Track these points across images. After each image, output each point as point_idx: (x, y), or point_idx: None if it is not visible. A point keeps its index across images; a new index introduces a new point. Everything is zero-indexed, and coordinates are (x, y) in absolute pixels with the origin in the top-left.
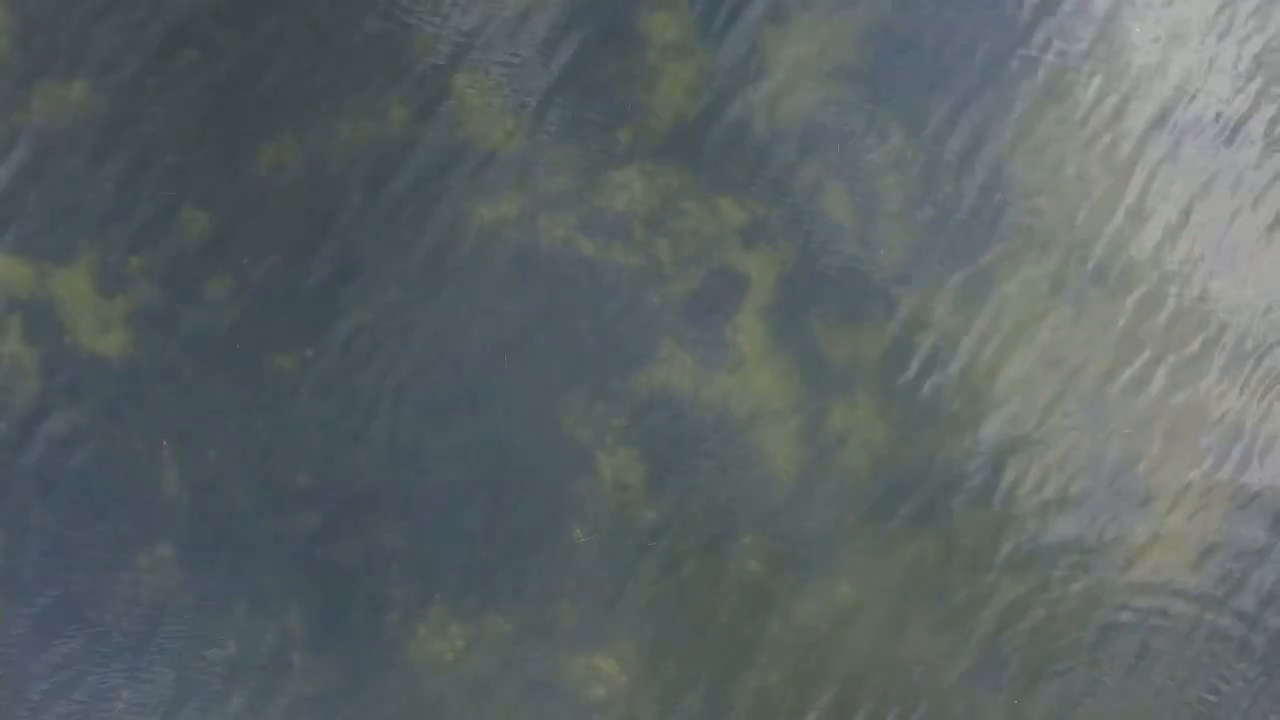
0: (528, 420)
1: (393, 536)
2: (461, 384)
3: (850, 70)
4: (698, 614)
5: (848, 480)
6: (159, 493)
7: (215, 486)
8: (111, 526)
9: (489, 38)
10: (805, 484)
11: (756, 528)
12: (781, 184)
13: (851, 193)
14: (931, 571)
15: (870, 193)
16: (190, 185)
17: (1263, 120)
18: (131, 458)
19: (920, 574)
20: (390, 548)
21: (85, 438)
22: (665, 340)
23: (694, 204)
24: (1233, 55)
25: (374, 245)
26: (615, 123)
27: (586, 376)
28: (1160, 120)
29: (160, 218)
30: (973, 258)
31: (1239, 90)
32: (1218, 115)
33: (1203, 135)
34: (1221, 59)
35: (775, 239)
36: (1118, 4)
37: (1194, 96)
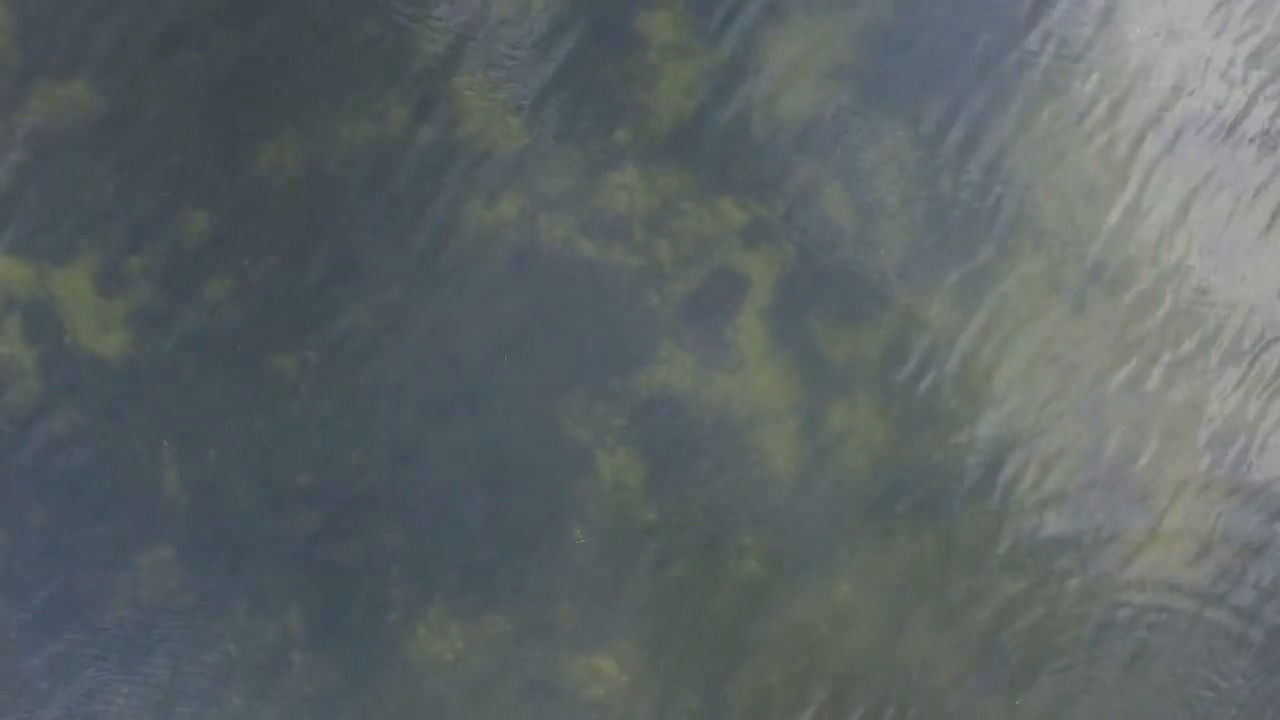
0: (528, 420)
1: (393, 536)
2: (461, 384)
3: (850, 70)
4: (697, 613)
5: (847, 480)
6: (159, 492)
7: (215, 486)
8: (111, 526)
9: (488, 38)
10: (805, 484)
11: (756, 527)
12: (782, 184)
13: (851, 193)
14: (930, 570)
15: (870, 192)
16: (190, 185)
17: (1260, 118)
18: (131, 457)
19: (919, 573)
20: (390, 548)
21: (85, 437)
22: (665, 340)
23: (694, 204)
24: (1229, 53)
25: (374, 245)
26: (615, 123)
27: (586, 376)
28: (1157, 118)
29: (160, 218)
30: (971, 256)
31: (1236, 88)
32: (1215, 113)
33: (1200, 133)
34: (1218, 56)
35: (776, 239)
36: (1115, 1)
37: (1191, 94)
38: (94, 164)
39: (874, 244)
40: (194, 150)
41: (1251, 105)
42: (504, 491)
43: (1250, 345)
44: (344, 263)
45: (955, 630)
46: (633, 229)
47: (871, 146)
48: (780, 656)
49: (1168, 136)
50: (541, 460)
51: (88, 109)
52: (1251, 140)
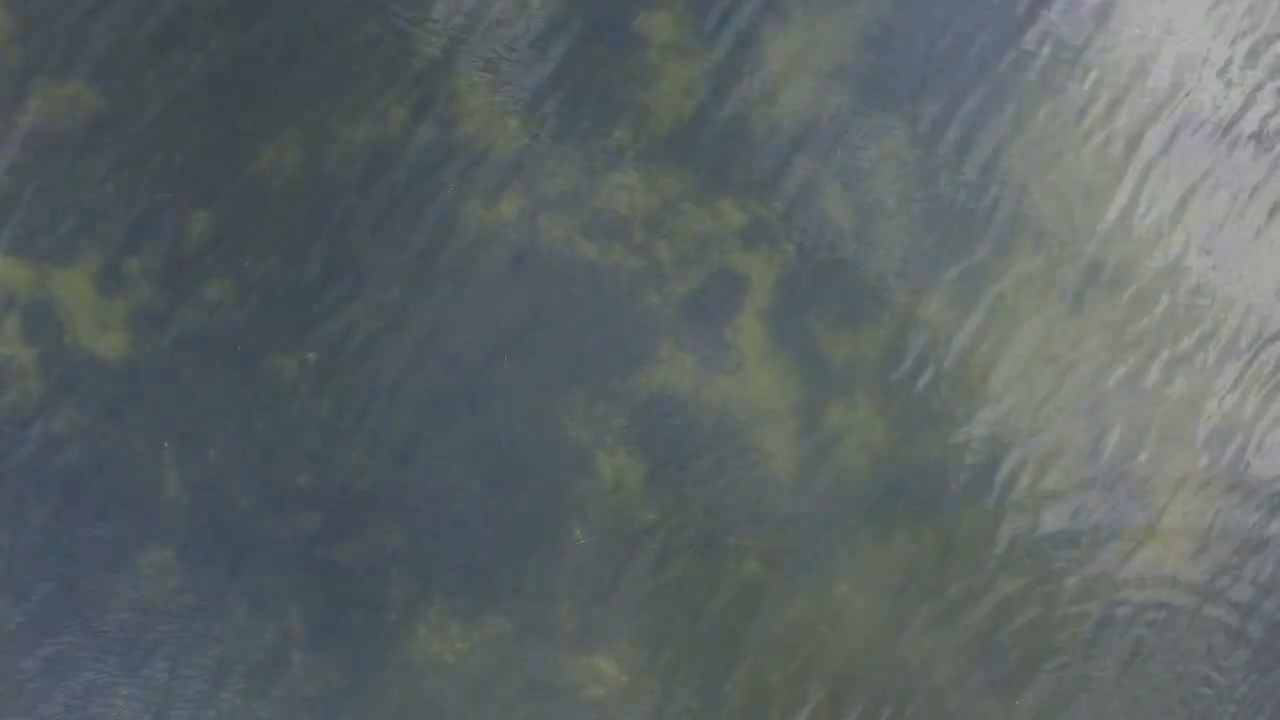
0: (528, 420)
1: (393, 537)
2: (461, 384)
3: (849, 69)
4: (697, 613)
5: (847, 479)
6: (159, 493)
7: (215, 487)
8: (111, 526)
9: (488, 39)
10: (804, 484)
11: (756, 527)
12: (781, 184)
13: (850, 192)
14: (929, 569)
15: (869, 192)
16: (190, 185)
17: (1257, 116)
18: (131, 458)
19: (918, 572)
20: (390, 548)
21: (85, 438)
22: (665, 341)
23: (694, 205)
24: (1227, 52)
25: (374, 246)
26: (615, 123)
27: (586, 377)
28: (1155, 117)
29: (160, 218)
30: (969, 255)
31: (1233, 87)
32: (1212, 112)
33: (1197, 132)
34: (1215, 56)
35: (775, 240)
36: (1112, 1)
37: (1188, 93)
38: (94, 164)
39: (873, 244)
40: (194, 150)
41: (1248, 105)
42: (504, 491)
43: (1248, 343)
44: (344, 263)
45: (954, 629)
46: (632, 229)
47: (870, 146)
48: (779, 656)
49: (1165, 136)
50: (541, 460)
51: (87, 109)
52: (1249, 139)
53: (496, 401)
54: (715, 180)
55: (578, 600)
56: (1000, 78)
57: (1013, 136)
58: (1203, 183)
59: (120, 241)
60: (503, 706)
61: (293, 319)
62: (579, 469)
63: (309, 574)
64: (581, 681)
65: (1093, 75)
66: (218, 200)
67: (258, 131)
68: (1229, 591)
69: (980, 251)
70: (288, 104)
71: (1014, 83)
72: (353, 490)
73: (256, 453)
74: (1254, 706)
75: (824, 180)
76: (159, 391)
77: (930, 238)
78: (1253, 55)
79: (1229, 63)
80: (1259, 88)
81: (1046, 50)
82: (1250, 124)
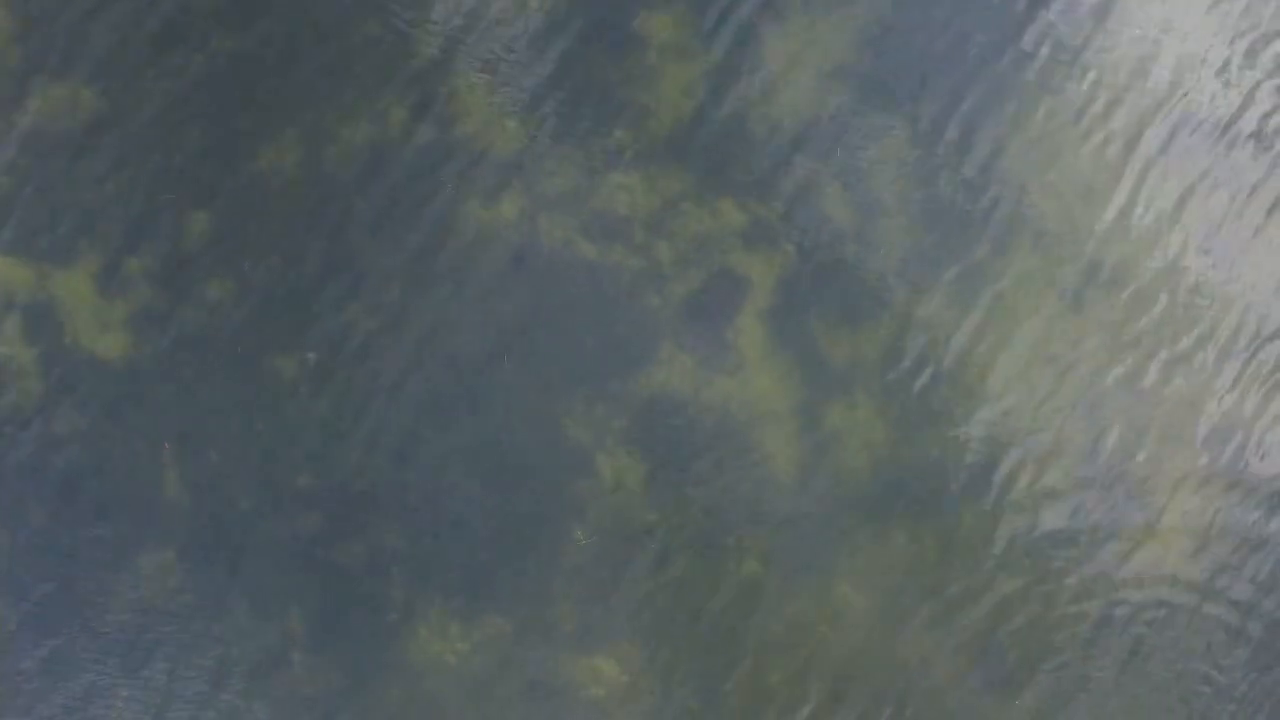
0: (528, 421)
1: (393, 537)
2: (461, 385)
3: (848, 69)
4: (697, 613)
5: (847, 480)
6: (159, 493)
7: (215, 487)
8: (111, 527)
9: (488, 39)
10: (804, 484)
11: (756, 528)
12: (781, 185)
13: (850, 192)
14: (929, 569)
15: (869, 192)
16: (190, 186)
17: (1256, 116)
18: (131, 458)
19: (918, 571)
20: (390, 548)
21: (85, 438)
22: (665, 342)
23: (694, 205)
24: (1225, 52)
25: (373, 246)
26: (615, 124)
27: (586, 378)
28: (1153, 117)
29: (160, 218)
30: (968, 255)
31: (1232, 86)
32: (1211, 111)
33: (1196, 131)
34: (1214, 55)
35: (775, 240)
36: (1110, 0)
37: (1187, 92)
38: (93, 164)
39: (873, 243)
40: (194, 150)
41: (1247, 104)
42: (504, 492)
43: (1247, 342)
44: (343, 263)
45: (953, 628)
46: (633, 230)
47: (870, 146)
48: (779, 655)
49: (1163, 135)
50: (541, 460)
51: (87, 109)
52: (1247, 138)
53: (496, 402)
54: (715, 180)
55: (578, 600)
56: (999, 77)
57: (1011, 136)
58: (1201, 182)
59: (120, 242)
60: (503, 706)
61: (292, 319)
62: (579, 469)
63: (309, 574)
64: (581, 681)
65: (1091, 75)
66: (217, 200)
67: (257, 132)
68: (1228, 590)
69: (979, 251)
70: (287, 104)
71: (1013, 82)
72: (353, 490)
73: (256, 453)
74: (1253, 705)
75: (824, 180)
76: (159, 392)
77: (929, 237)
78: (1251, 54)
79: (1227, 62)
80: (1257, 87)
81: (1045, 50)
82: (1249, 123)
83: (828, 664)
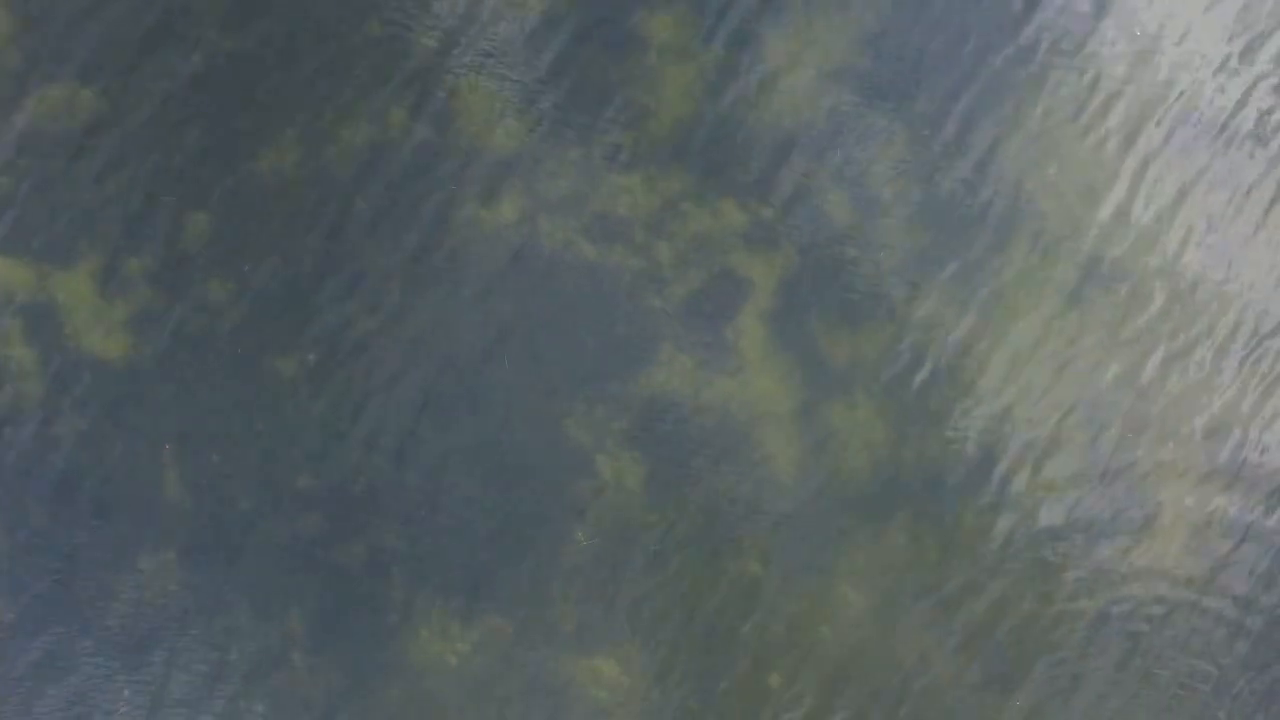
0: (528, 422)
1: (393, 538)
2: (462, 386)
3: (848, 69)
4: (697, 614)
5: (847, 480)
6: (159, 494)
7: (215, 488)
8: (112, 528)
9: (489, 41)
10: (805, 484)
11: (756, 528)
12: (781, 185)
13: (850, 192)
14: (929, 568)
15: (868, 191)
16: (190, 187)
17: (1253, 113)
18: (132, 459)
19: (918, 570)
20: (390, 549)
21: (85, 438)
22: (666, 343)
23: (695, 206)
24: (1223, 50)
25: (374, 247)
26: (616, 125)
27: (587, 378)
28: (1151, 114)
29: (160, 219)
30: (967, 253)
31: (1229, 84)
32: (1209, 109)
33: (1194, 129)
34: (1212, 53)
35: (776, 240)
36: None
37: (1185, 91)
38: (93, 165)
39: (872, 243)
40: (193, 151)
41: (1245, 102)
42: (504, 492)
43: (1245, 339)
44: (343, 263)
45: (951, 626)
46: (633, 231)
47: (869, 145)
48: (779, 655)
49: (1162, 133)
50: (541, 461)
51: (87, 109)
52: (1245, 136)
53: (496, 402)
54: (715, 180)
55: (578, 600)
56: (997, 76)
57: (1009, 134)
58: (1199, 180)
59: (120, 242)
60: (503, 706)
61: (292, 320)
62: (579, 470)
63: (309, 574)
64: (581, 681)
65: (1090, 73)
66: (217, 201)
67: (257, 132)
68: (1227, 586)
69: (978, 249)
70: (287, 104)
71: (1011, 81)
72: (353, 491)
73: (256, 453)
74: (1253, 701)
75: (823, 180)
76: (159, 392)
77: (928, 236)
78: (1249, 52)
79: (1226, 60)
80: (1255, 85)
81: (1043, 48)
82: (1247, 121)
83: (827, 662)
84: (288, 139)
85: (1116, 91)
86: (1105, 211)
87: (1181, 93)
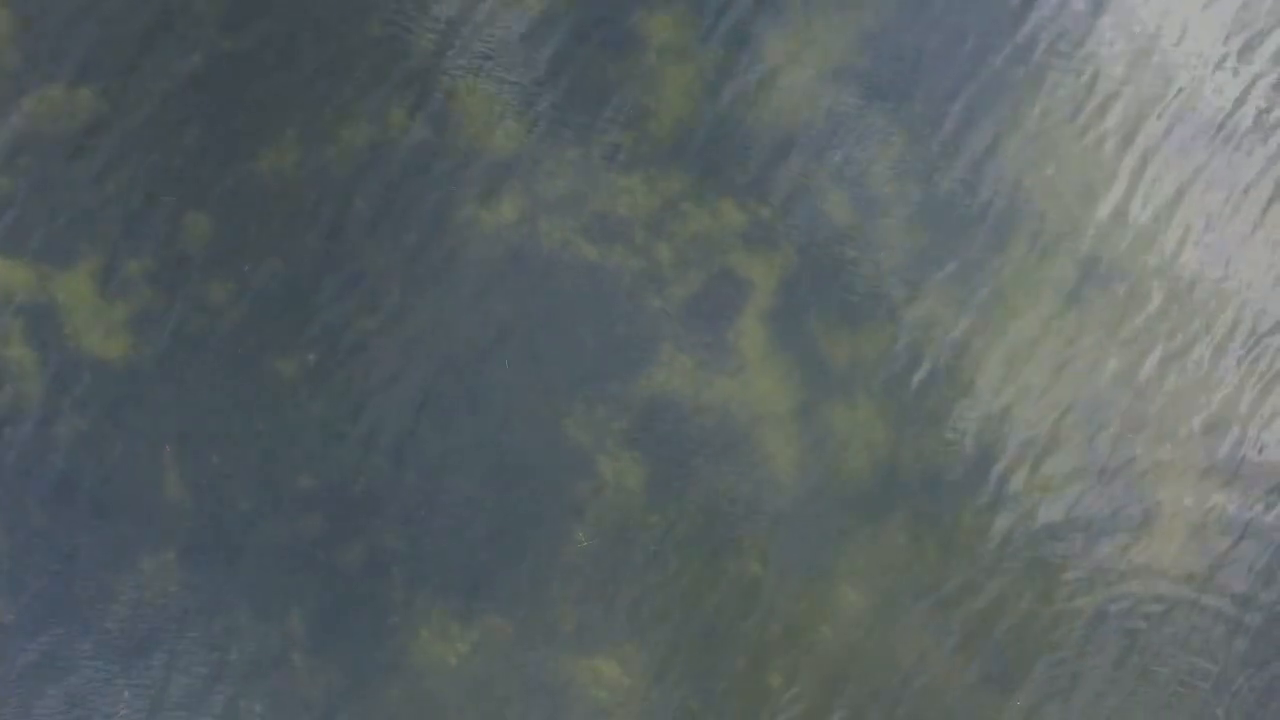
0: (528, 423)
1: (393, 538)
2: (462, 387)
3: (848, 69)
4: (698, 614)
5: (847, 480)
6: (159, 494)
7: (216, 488)
8: (112, 529)
9: (487, 40)
10: (805, 485)
11: (756, 529)
12: (781, 185)
13: (849, 192)
14: (928, 568)
15: (868, 191)
16: (190, 187)
17: (1252, 111)
18: (132, 459)
19: (917, 570)
20: (390, 549)
21: (85, 439)
22: (666, 343)
23: (694, 206)
24: (1221, 49)
25: (374, 248)
26: (615, 125)
27: (587, 379)
28: (1150, 112)
29: (161, 221)
30: (966, 252)
31: (1228, 83)
32: (1207, 108)
33: (1192, 128)
34: (1210, 52)
35: (776, 241)
36: None
37: (1183, 89)
38: (93, 165)
39: (871, 242)
40: (193, 151)
41: (1243, 100)
42: (505, 494)
43: (1244, 338)
44: (342, 264)
45: (950, 625)
46: (633, 231)
47: (868, 145)
48: (779, 655)
49: (1160, 132)
50: (542, 462)
51: (86, 110)
52: (1244, 134)
53: (496, 402)
54: (715, 181)
55: (578, 601)
56: (995, 75)
57: (1008, 133)
58: (1197, 178)
59: (120, 243)
60: (503, 706)
61: (292, 320)
62: (579, 470)
63: (309, 575)
64: (581, 681)
65: (1088, 71)
66: (217, 201)
67: (257, 132)
68: (1226, 583)
69: (976, 248)
70: (286, 105)
71: (1009, 80)
72: (353, 491)
73: (256, 454)
74: (1252, 700)
75: (823, 179)
76: (159, 392)
77: (928, 236)
78: (1248, 50)
79: (1224, 58)
80: (1254, 83)
81: (1041, 47)
82: (1245, 119)
83: (826, 662)
84: (288, 139)
85: (1114, 91)
86: (1103, 211)
87: (1179, 91)
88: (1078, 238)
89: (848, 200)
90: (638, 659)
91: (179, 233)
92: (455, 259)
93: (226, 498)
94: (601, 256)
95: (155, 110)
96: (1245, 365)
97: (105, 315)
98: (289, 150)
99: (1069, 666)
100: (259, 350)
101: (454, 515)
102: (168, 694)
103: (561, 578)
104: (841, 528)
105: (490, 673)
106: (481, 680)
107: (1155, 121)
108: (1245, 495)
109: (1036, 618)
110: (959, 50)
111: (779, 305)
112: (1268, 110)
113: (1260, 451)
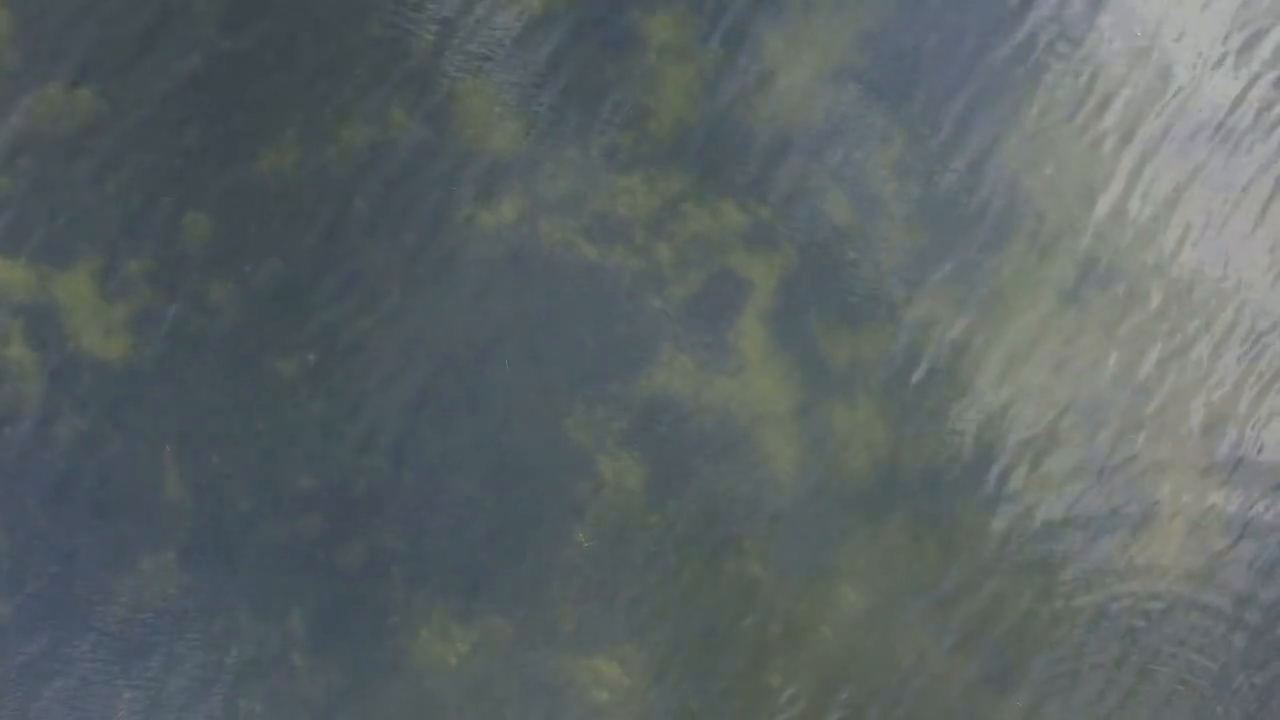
0: (529, 423)
1: (393, 538)
2: (462, 387)
3: (848, 69)
4: (698, 615)
5: (847, 480)
6: (159, 494)
7: (216, 488)
8: (112, 529)
9: (488, 41)
10: (806, 485)
11: (757, 529)
12: (783, 186)
13: (850, 192)
14: (928, 567)
15: (868, 191)
16: (191, 189)
17: (1251, 110)
18: (132, 459)
19: (917, 570)
20: (390, 549)
21: (85, 439)
22: (666, 344)
23: (695, 206)
24: (1220, 47)
25: (374, 248)
26: (615, 125)
27: (587, 379)
28: (1148, 112)
29: (161, 221)
30: (965, 252)
31: (1226, 82)
32: (1206, 106)
33: (1191, 126)
34: (1209, 51)
35: (776, 241)
36: None
37: (1181, 88)
38: (92, 165)
39: (872, 242)
40: (193, 151)
41: (1242, 99)
42: (505, 494)
43: (1242, 337)
44: (343, 265)
45: (949, 624)
46: (633, 231)
47: (869, 145)
48: (778, 655)
49: (1159, 131)
50: (542, 462)
51: (87, 111)
52: (1243, 133)
53: (496, 402)
54: (715, 181)
55: (578, 601)
56: (993, 74)
57: (1007, 133)
58: (1196, 177)
59: (120, 243)
60: (503, 707)
61: (292, 320)
62: (579, 470)
63: (309, 575)
64: (581, 682)
65: (1086, 70)
66: (217, 201)
67: (257, 132)
68: (1226, 582)
69: (975, 248)
70: (286, 105)
71: (1008, 79)
72: (353, 491)
73: (256, 454)
74: (1252, 698)
75: (822, 179)
76: (159, 393)
77: (928, 236)
78: (1246, 49)
79: (1223, 57)
80: (1253, 82)
81: (1040, 46)
82: (1244, 118)
83: (826, 662)
84: (288, 139)
85: (1113, 90)
86: (1102, 210)
87: (1178, 90)
88: (1077, 237)
89: (847, 200)
90: (637, 659)
91: (179, 233)
92: (455, 259)
93: (226, 498)
94: (601, 256)
95: (155, 110)
96: (1244, 364)
97: (105, 315)
98: (289, 150)
99: (1068, 665)
100: (259, 350)
101: (454, 515)
102: (167, 694)
103: (561, 578)
104: (841, 528)
105: (490, 673)
106: (481, 680)
107: (1154, 121)
108: (1245, 494)
109: (1036, 616)
110: (958, 50)
111: (779, 305)
112: (1267, 109)
113: (1259, 450)
